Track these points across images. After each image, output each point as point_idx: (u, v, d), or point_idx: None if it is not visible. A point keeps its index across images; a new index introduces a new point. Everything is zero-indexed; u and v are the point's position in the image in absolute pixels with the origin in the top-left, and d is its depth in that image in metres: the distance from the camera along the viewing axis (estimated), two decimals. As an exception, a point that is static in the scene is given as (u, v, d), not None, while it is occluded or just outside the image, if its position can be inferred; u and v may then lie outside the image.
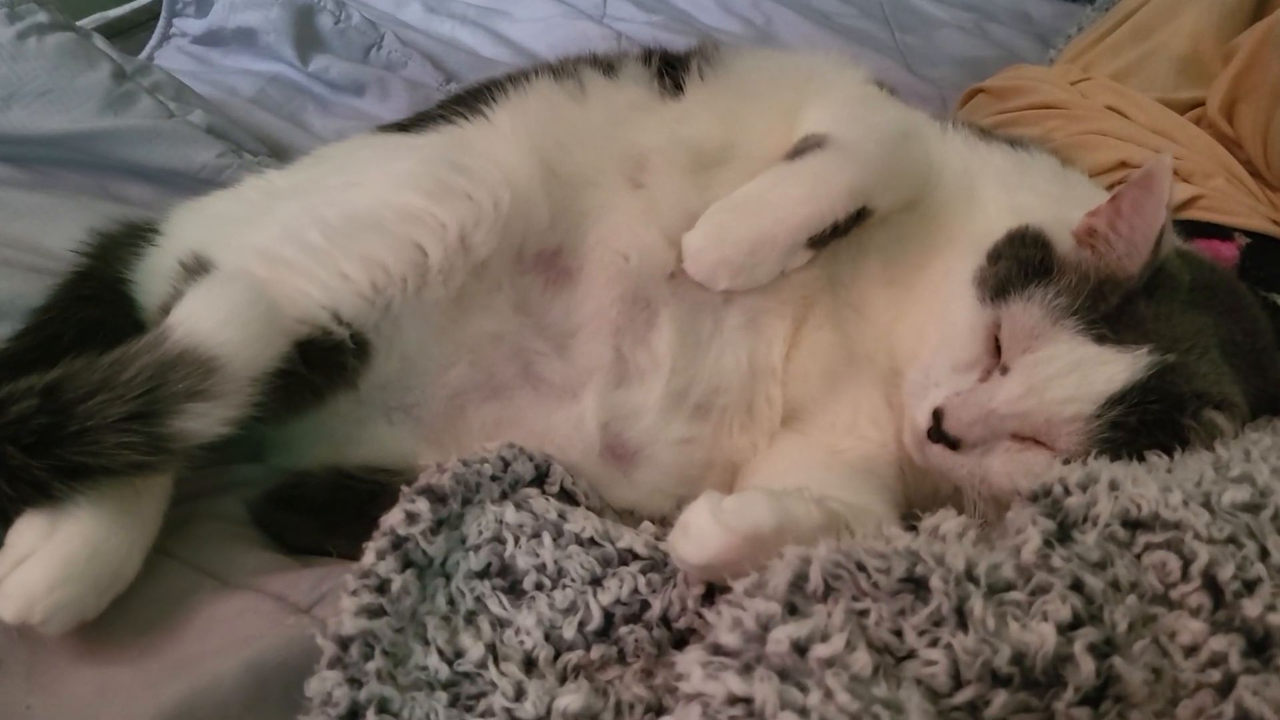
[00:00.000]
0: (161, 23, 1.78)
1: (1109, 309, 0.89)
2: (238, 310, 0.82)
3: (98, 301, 0.98)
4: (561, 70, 1.12)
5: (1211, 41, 1.50)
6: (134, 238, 1.03)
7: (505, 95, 1.09)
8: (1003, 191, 1.06)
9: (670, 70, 1.13)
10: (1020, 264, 0.93)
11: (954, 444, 0.90)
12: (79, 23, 1.52)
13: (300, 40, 1.72)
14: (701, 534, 0.74)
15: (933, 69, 2.26)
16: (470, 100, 1.11)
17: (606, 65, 1.14)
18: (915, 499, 0.99)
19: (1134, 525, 0.71)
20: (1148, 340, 0.87)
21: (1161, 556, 0.69)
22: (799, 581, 0.67)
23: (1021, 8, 2.74)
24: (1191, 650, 0.64)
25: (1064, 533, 0.71)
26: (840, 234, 0.99)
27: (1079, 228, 0.95)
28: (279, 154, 1.45)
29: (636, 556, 0.83)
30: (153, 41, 1.77)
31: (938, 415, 0.91)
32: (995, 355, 0.92)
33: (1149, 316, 0.89)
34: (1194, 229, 1.22)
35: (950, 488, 0.95)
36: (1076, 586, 0.66)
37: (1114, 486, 0.74)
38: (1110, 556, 0.69)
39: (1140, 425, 0.86)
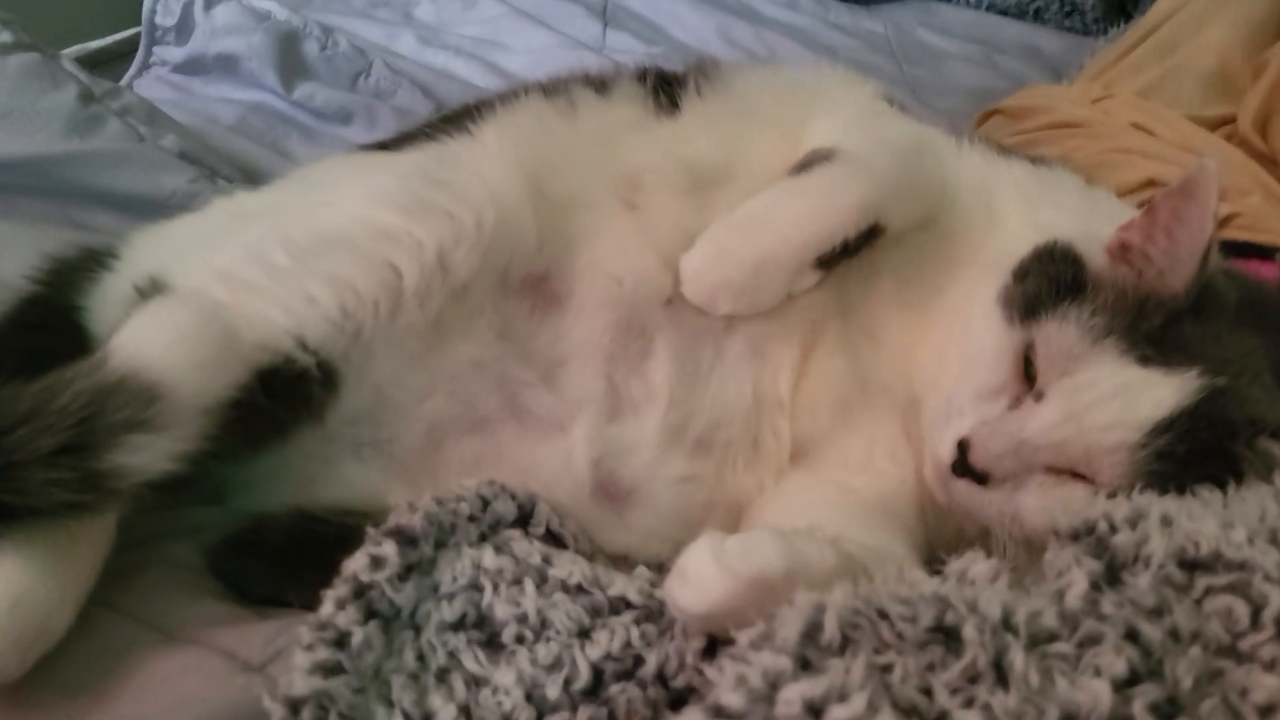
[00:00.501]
0: (141, 51, 1.73)
1: (1151, 329, 0.82)
2: (187, 333, 0.76)
3: (46, 330, 0.91)
4: (552, 89, 1.06)
5: (1240, 56, 1.44)
6: (90, 263, 0.96)
7: (492, 113, 1.03)
8: (1025, 207, 0.99)
9: (666, 88, 1.07)
10: (1051, 281, 0.86)
11: (981, 478, 0.83)
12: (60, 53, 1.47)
13: (284, 67, 1.67)
14: (702, 579, 0.67)
15: (942, 100, 2.21)
16: (456, 118, 1.05)
17: (599, 83, 1.08)
18: (938, 541, 0.91)
19: (1192, 566, 0.63)
20: (1196, 363, 0.80)
21: (1227, 602, 0.61)
22: (812, 632, 0.59)
23: (1031, 41, 2.69)
24: (1268, 711, 0.56)
25: (1113, 575, 0.64)
26: (851, 253, 0.92)
27: (1112, 243, 0.88)
28: (258, 182, 1.38)
29: (629, 605, 0.75)
30: (132, 71, 1.73)
31: (963, 447, 0.84)
32: (1024, 381, 0.85)
33: (1196, 338, 0.82)
34: (1231, 249, 1.15)
35: (977, 530, 0.88)
36: (1131, 636, 0.58)
37: (1166, 522, 0.66)
38: (1167, 602, 0.61)
39: (1190, 455, 0.78)
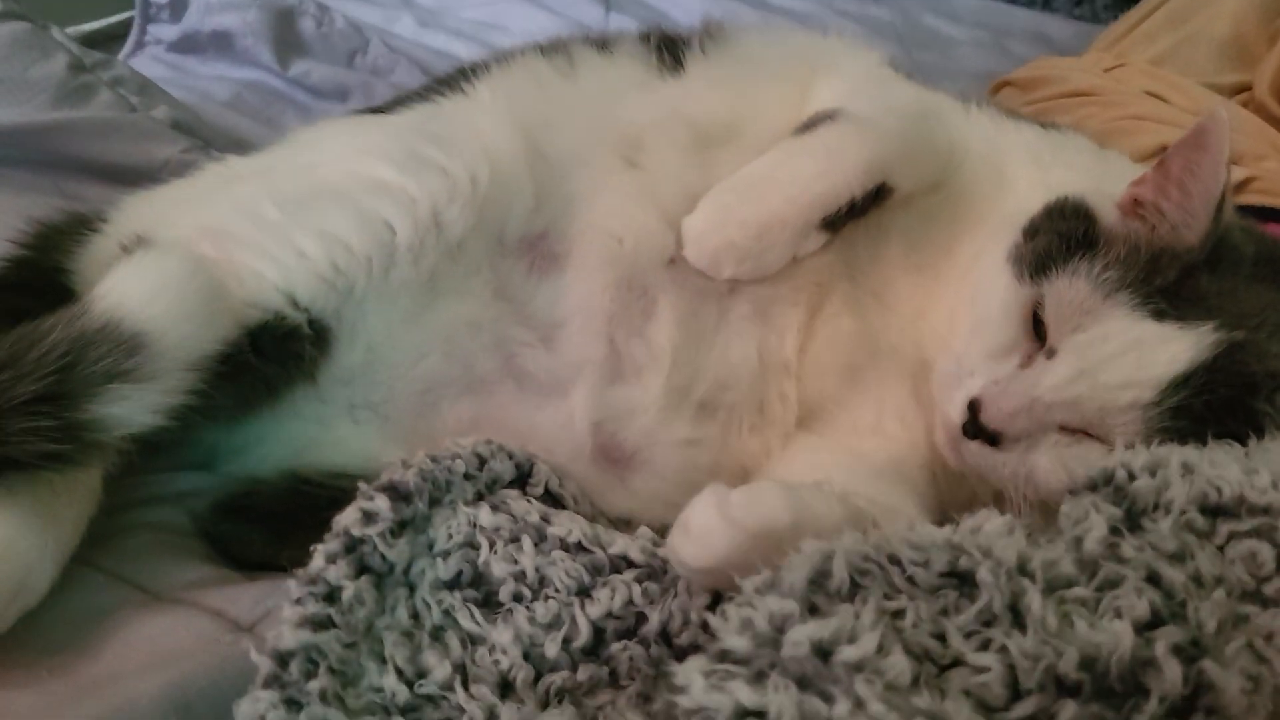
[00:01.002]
0: (135, 29, 1.71)
1: (1166, 283, 0.80)
2: (172, 282, 0.74)
3: (28, 291, 0.88)
4: (551, 48, 1.05)
5: (1255, 22, 1.42)
6: (77, 227, 0.94)
7: (488, 72, 1.02)
8: (1035, 169, 0.97)
9: (671, 47, 1.06)
10: (1061, 237, 0.84)
11: (994, 439, 0.81)
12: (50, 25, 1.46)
13: (280, 44, 1.65)
14: (706, 532, 0.65)
15: (950, 83, 2.17)
16: (451, 80, 1.04)
17: (600, 43, 1.06)
18: (950, 506, 0.89)
19: (1214, 512, 0.61)
20: (1212, 316, 0.78)
21: (1250, 546, 0.59)
22: (820, 578, 0.57)
23: (1039, 28, 2.67)
24: (1296, 655, 0.54)
25: (1132, 521, 0.62)
26: (858, 214, 0.90)
27: (1123, 198, 0.86)
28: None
29: (631, 564, 0.73)
30: (126, 49, 1.71)
31: (974, 407, 0.82)
32: (1035, 339, 0.83)
33: (1212, 291, 0.80)
34: (1248, 214, 1.13)
35: (990, 494, 0.86)
36: (1153, 580, 0.56)
37: (1187, 469, 0.64)
38: (1189, 547, 0.59)
39: (1207, 411, 0.76)
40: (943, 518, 0.85)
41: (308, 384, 0.85)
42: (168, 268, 0.75)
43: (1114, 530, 0.60)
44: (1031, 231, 0.87)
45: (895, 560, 0.58)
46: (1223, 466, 0.63)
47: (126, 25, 1.84)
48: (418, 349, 0.88)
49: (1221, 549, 0.60)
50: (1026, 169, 0.97)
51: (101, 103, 1.27)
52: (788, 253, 0.90)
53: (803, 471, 0.87)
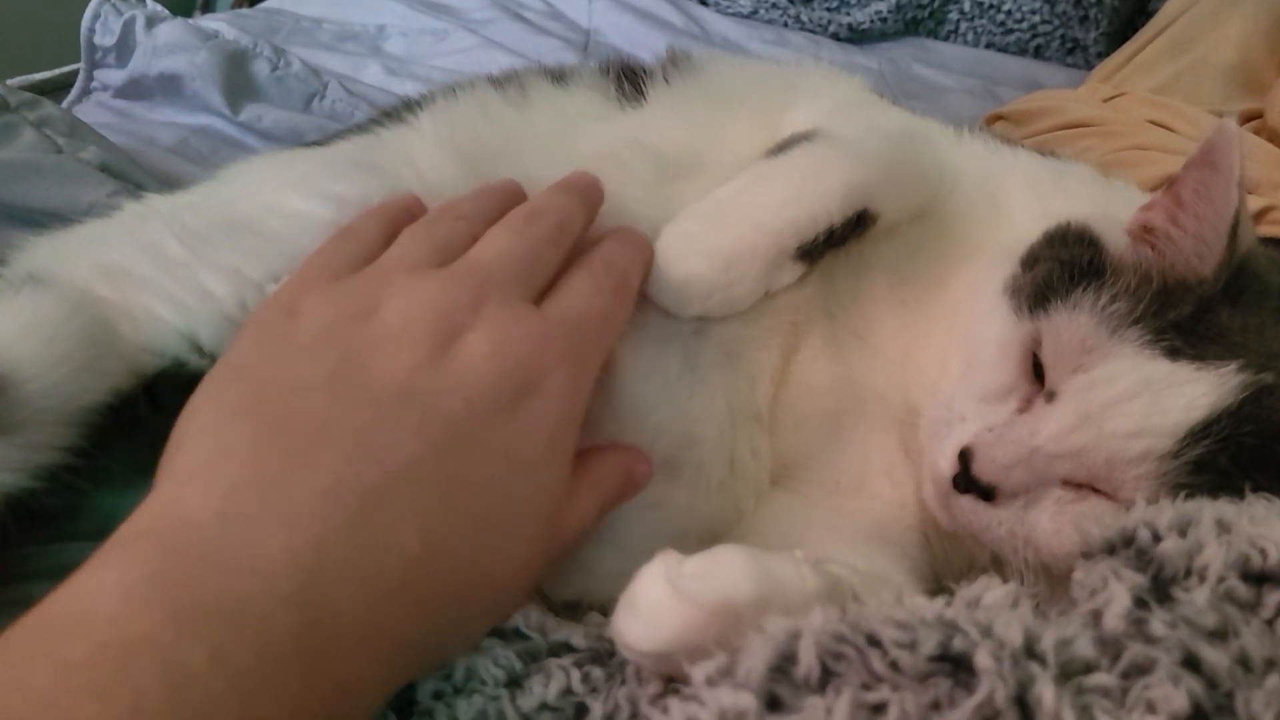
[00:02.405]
0: (81, 76, 1.65)
1: (1181, 318, 0.71)
2: (47, 322, 0.66)
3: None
4: (504, 78, 0.98)
5: (1263, 48, 1.36)
6: (-31, 271, 0.86)
7: (433, 102, 0.94)
8: (1034, 197, 0.89)
9: (632, 77, 0.99)
10: (1064, 265, 0.76)
11: (988, 494, 0.72)
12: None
13: (231, 88, 1.58)
14: (655, 609, 0.56)
15: (942, 128, 2.14)
16: (394, 111, 0.97)
17: (556, 74, 0.99)
18: (946, 573, 0.79)
19: (1259, 579, 0.52)
20: (1235, 355, 0.69)
21: (1305, 620, 0.50)
22: (784, 664, 0.48)
23: (1032, 76, 2.62)
24: (1370, 754, 0.45)
25: (1161, 591, 0.52)
26: (837, 243, 0.82)
27: (1133, 223, 0.78)
28: (193, 202, 1.29)
29: (571, 649, 0.63)
30: (71, 96, 1.65)
31: (965, 457, 0.73)
32: (1034, 381, 0.74)
33: (1235, 327, 0.71)
34: (1268, 246, 1.05)
35: (989, 557, 0.76)
36: (1190, 664, 0.47)
37: (1223, 527, 0.55)
38: (1231, 622, 0.50)
39: (1232, 465, 0.67)
40: (937, 586, 0.76)
41: None
42: (42, 306, 0.67)
43: (1139, 602, 0.50)
44: (1031, 261, 0.79)
45: (876, 641, 0.48)
46: (1265, 524, 0.54)
47: (75, 77, 1.78)
48: None
49: (1270, 623, 0.51)
50: (1025, 196, 0.89)
51: (25, 143, 1.20)
52: (760, 286, 0.81)
53: (775, 535, 0.77)
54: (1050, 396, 0.72)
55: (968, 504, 0.73)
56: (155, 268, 0.75)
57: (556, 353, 0.65)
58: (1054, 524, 0.70)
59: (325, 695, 0.50)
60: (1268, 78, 1.34)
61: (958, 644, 0.48)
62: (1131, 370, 0.69)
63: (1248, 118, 1.33)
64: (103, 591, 0.49)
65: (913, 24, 2.56)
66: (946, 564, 0.80)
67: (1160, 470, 0.68)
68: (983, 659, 0.46)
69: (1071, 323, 0.72)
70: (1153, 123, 1.28)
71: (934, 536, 0.81)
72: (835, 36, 2.51)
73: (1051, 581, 0.70)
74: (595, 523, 0.72)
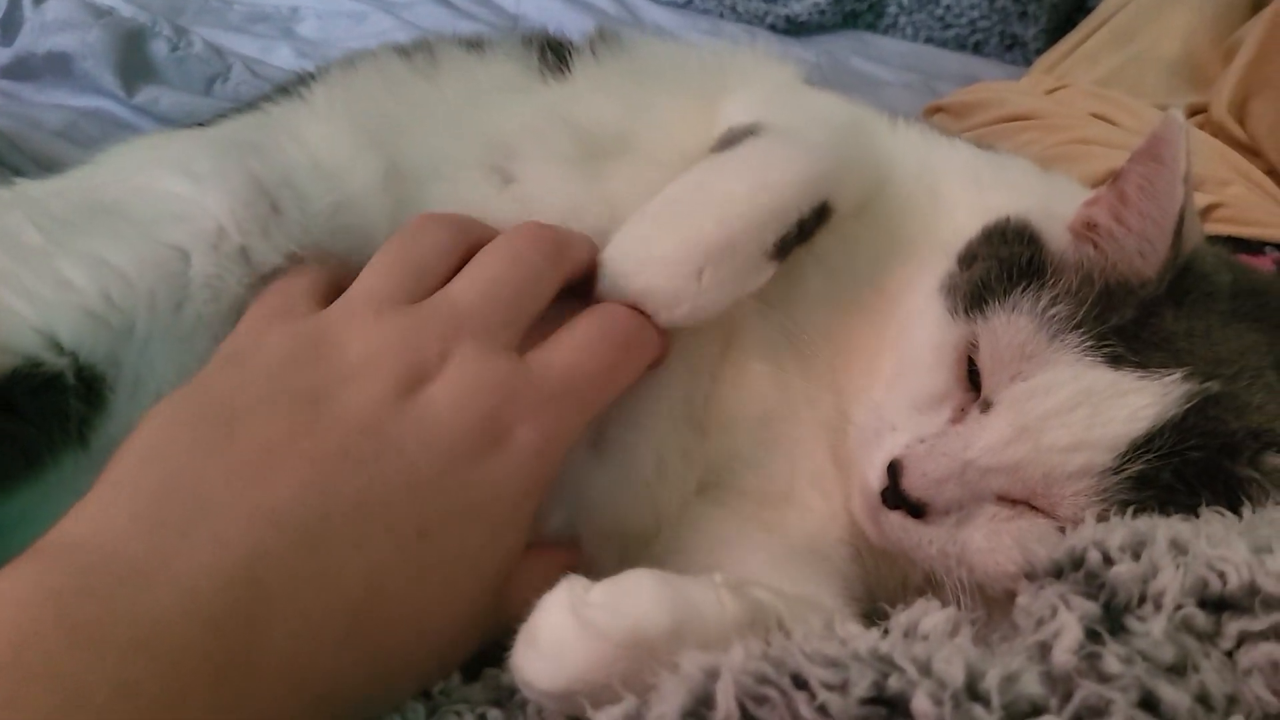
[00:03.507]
0: (-35, 57, 1.56)
1: (1123, 321, 0.67)
2: None
3: None
4: (411, 47, 0.91)
5: (1206, 40, 1.35)
6: None
7: (327, 74, 0.88)
8: (974, 190, 0.85)
9: (557, 49, 0.93)
10: (1002, 264, 0.72)
11: (917, 510, 0.68)
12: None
13: (126, 68, 1.50)
14: (558, 644, 0.51)
15: (880, 122, 2.12)
16: (288, 86, 0.90)
17: (473, 42, 0.94)
18: (879, 591, 0.75)
19: (1218, 605, 0.49)
20: (1181, 363, 0.65)
21: (1270, 651, 0.46)
22: (700, 708, 0.43)
23: (970, 71, 2.61)
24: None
25: (1114, 620, 0.48)
26: (806, 239, 0.76)
27: (1075, 220, 0.74)
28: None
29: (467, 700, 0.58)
30: (-47, 79, 1.55)
31: (894, 470, 0.69)
32: (969, 389, 0.70)
33: (1180, 331, 0.68)
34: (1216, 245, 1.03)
35: (923, 577, 0.72)
36: (1148, 705, 0.43)
37: (1179, 549, 0.51)
38: (1190, 655, 0.46)
39: (1176, 480, 0.63)
40: (871, 607, 0.72)
41: (77, 448, 0.69)
42: None
43: (1091, 634, 0.46)
44: (968, 258, 0.75)
45: (802, 683, 0.44)
46: (1224, 544, 0.51)
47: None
48: None
49: (1231, 655, 0.47)
50: (964, 190, 0.85)
51: (-115, 126, 1.11)
52: (733, 290, 0.74)
53: (698, 551, 0.72)
54: (985, 406, 0.68)
55: (897, 520, 0.69)
56: (8, 256, 0.68)
57: (528, 407, 0.62)
58: (988, 543, 0.66)
59: None
60: (1212, 71, 1.33)
61: (894, 684, 0.43)
62: (1072, 379, 0.66)
63: (1192, 112, 1.31)
64: (1, 609, 0.45)
65: (851, 17, 2.54)
66: (880, 581, 0.76)
67: (1100, 486, 0.64)
68: (921, 702, 0.42)
69: (1010, 326, 0.68)
70: (1095, 116, 1.26)
71: (866, 552, 0.76)
72: (772, 28, 2.48)
73: (988, 602, 0.67)
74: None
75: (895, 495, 0.68)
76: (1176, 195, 0.67)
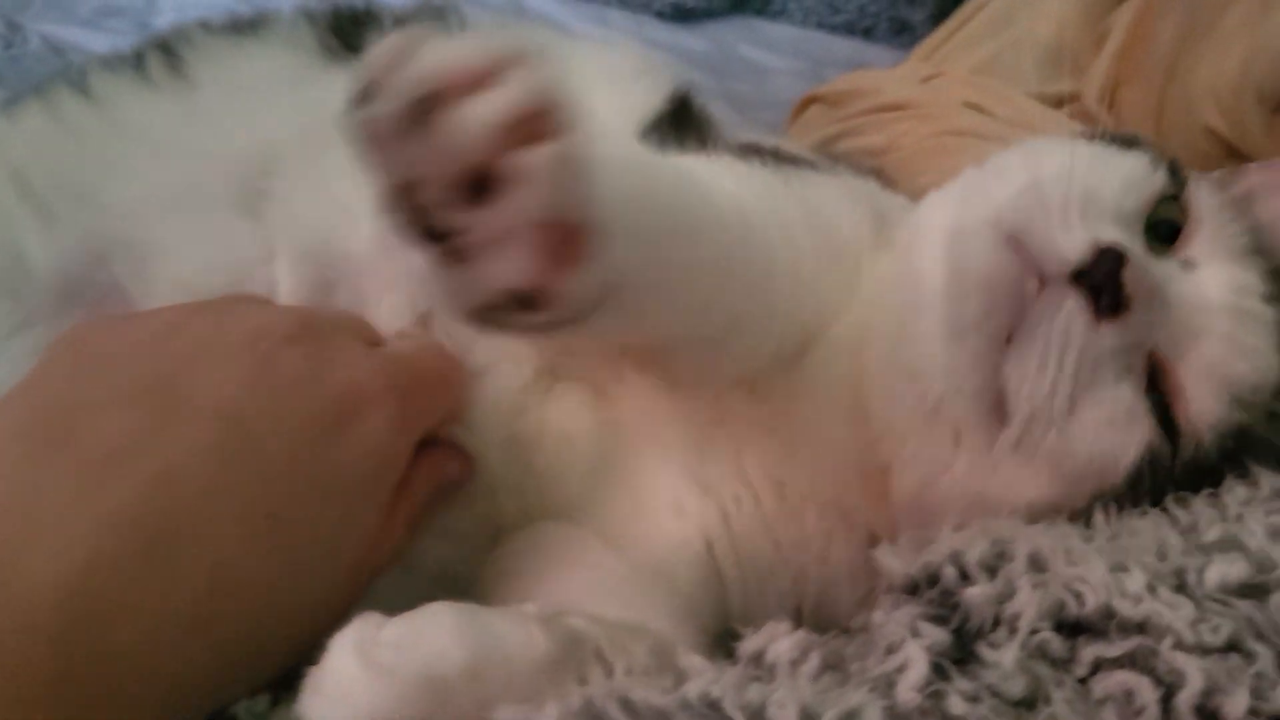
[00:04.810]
0: None
1: None
2: None
3: None
4: (151, 47, 0.84)
5: (1079, 25, 1.34)
6: None
7: None
8: None
9: (354, 28, 0.86)
10: None
11: (1115, 305, 0.58)
12: None
13: (-47, 68, 1.41)
14: (342, 686, 0.46)
15: (765, 113, 2.10)
16: None
17: (249, 24, 0.87)
18: (739, 614, 0.71)
19: (1074, 629, 0.46)
20: None
21: (1124, 680, 0.43)
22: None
23: (860, 57, 2.62)
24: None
25: (964, 648, 0.46)
26: None
27: None
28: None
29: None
30: None
31: (1114, 257, 0.58)
32: None
33: None
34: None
35: (795, 595, 0.70)
36: (993, 749, 0.40)
37: (1038, 565, 0.49)
38: (1042, 687, 0.43)
39: None
40: (725, 631, 0.67)
41: None
42: None
43: (937, 669, 0.43)
44: None
45: (617, 738, 0.40)
46: (1083, 562, 0.48)
47: None
48: None
49: (1085, 683, 0.44)
50: None
51: None
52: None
53: (526, 575, 0.67)
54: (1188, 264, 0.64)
55: (1069, 306, 0.58)
56: None
57: (382, 386, 0.61)
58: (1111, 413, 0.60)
59: None
60: (1085, 58, 1.32)
61: (720, 737, 0.40)
62: None
63: (1065, 100, 1.31)
64: None
65: (740, 3, 2.53)
66: (746, 603, 0.72)
67: None
68: (748, 758, 0.38)
69: None
70: (969, 105, 1.24)
71: (734, 566, 0.72)
72: (660, 15, 2.45)
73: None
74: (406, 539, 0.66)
75: (1104, 278, 0.58)
76: None
